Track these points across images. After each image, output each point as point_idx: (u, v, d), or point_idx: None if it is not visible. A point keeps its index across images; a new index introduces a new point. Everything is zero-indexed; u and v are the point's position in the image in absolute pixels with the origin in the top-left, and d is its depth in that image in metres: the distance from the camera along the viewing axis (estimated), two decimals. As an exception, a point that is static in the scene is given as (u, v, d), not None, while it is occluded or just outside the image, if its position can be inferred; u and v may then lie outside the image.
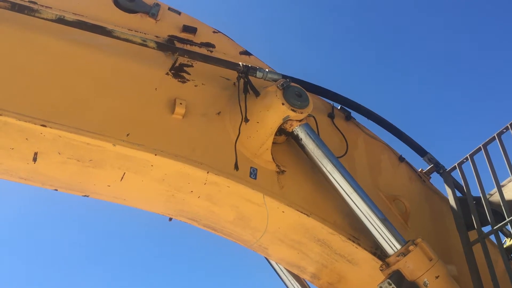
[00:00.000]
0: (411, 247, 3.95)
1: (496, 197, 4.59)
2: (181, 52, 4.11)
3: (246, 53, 4.70)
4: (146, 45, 3.94)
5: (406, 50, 15.83)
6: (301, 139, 4.18)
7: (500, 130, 4.63)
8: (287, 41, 15.64)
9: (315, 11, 15.26)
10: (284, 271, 5.63)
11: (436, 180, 5.51)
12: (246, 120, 4.04)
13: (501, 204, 4.41)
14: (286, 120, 4.07)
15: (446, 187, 5.21)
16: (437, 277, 3.88)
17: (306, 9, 15.26)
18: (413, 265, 3.90)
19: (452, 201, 5.05)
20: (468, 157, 4.90)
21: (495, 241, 4.58)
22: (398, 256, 3.95)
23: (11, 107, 3.36)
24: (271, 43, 14.97)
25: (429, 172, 5.50)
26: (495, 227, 4.45)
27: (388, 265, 4.03)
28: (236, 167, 3.97)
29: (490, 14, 14.78)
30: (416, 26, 15.51)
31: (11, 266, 15.50)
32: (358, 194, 4.11)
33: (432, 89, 15.70)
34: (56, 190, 3.96)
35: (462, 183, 5.00)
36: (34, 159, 3.60)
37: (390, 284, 3.82)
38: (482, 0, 14.94)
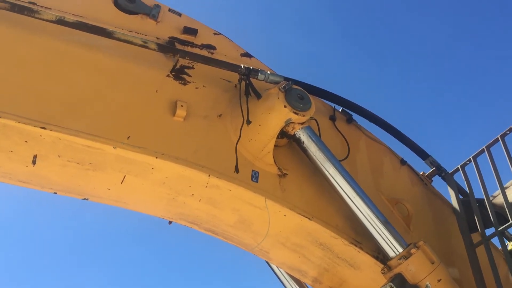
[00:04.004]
0: (413, 250, 3.92)
1: (499, 199, 4.56)
2: (182, 54, 4.08)
3: (247, 55, 4.67)
4: (146, 47, 3.91)
5: (408, 51, 15.87)
6: (303, 142, 4.15)
7: (504, 131, 4.62)
8: (288, 43, 15.66)
9: (316, 13, 15.28)
10: (285, 275, 5.60)
11: (437, 183, 5.49)
12: (248, 122, 4.01)
13: (505, 206, 4.39)
14: (288, 122, 4.04)
15: (449, 188, 5.18)
16: (439, 280, 3.86)
17: (307, 11, 15.29)
18: (415, 268, 3.87)
19: (455, 203, 5.02)
20: (471, 159, 4.88)
21: (498, 243, 4.55)
22: (400, 259, 3.92)
23: (11, 109, 3.33)
24: (272, 45, 14.98)
25: (431, 175, 5.48)
26: (498, 229, 4.42)
27: (389, 268, 4.00)
28: (237, 169, 3.94)
29: (494, 12, 14.83)
30: (418, 26, 15.55)
31: (8, 266, 15.47)
32: (361, 197, 4.08)
33: (434, 91, 15.75)
34: (56, 193, 3.92)
35: (465, 185, 4.97)
36: (34, 162, 3.56)
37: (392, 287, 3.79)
38: (483, 1, 14.98)
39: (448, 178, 5.25)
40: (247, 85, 4.14)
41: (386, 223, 4.07)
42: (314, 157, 4.14)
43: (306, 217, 4.10)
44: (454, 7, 15.00)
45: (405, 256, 3.90)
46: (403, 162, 5.32)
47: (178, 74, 4.13)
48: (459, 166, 5.06)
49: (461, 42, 15.45)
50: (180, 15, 4.50)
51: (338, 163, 4.17)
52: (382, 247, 4.07)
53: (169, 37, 4.27)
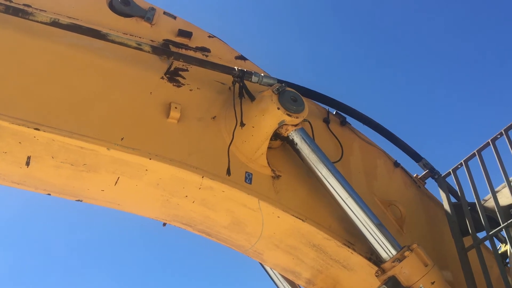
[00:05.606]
0: (406, 253, 3.95)
1: (490, 203, 4.59)
2: (176, 56, 4.10)
3: (241, 57, 4.69)
4: (141, 49, 3.92)
5: (401, 54, 15.94)
6: (296, 143, 4.18)
7: (494, 135, 4.65)
8: (283, 45, 15.71)
9: (310, 16, 15.34)
10: (279, 276, 5.61)
11: (431, 185, 5.52)
12: (242, 124, 4.03)
13: (496, 210, 4.42)
14: (282, 124, 4.07)
15: (441, 192, 5.21)
16: (432, 283, 3.89)
17: (301, 13, 15.35)
18: (409, 271, 3.90)
19: (446, 207, 5.05)
20: (463, 162, 4.91)
21: (490, 246, 4.58)
22: (393, 262, 3.95)
23: (5, 110, 3.34)
24: (267, 48, 15.03)
25: (424, 177, 5.51)
26: (490, 233, 4.44)
27: (383, 271, 4.03)
28: (229, 172, 3.95)
29: (489, 15, 14.90)
30: (412, 28, 15.61)
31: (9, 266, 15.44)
32: (353, 199, 4.10)
33: (427, 94, 15.82)
34: (49, 194, 3.92)
35: (457, 188, 5.00)
36: (27, 163, 3.57)
37: None
38: (480, 1, 15.06)
39: (440, 181, 5.28)
40: (241, 87, 4.16)
41: (379, 225, 4.10)
42: (307, 159, 4.17)
43: (300, 219, 4.12)
44: (450, 9, 15.09)
45: (399, 259, 3.93)
46: (396, 164, 5.35)
47: (173, 76, 4.15)
48: (450, 170, 5.09)
49: (455, 45, 15.54)
50: (175, 18, 4.52)
51: (331, 165, 4.19)
52: (375, 248, 4.10)
53: (164, 40, 4.28)
